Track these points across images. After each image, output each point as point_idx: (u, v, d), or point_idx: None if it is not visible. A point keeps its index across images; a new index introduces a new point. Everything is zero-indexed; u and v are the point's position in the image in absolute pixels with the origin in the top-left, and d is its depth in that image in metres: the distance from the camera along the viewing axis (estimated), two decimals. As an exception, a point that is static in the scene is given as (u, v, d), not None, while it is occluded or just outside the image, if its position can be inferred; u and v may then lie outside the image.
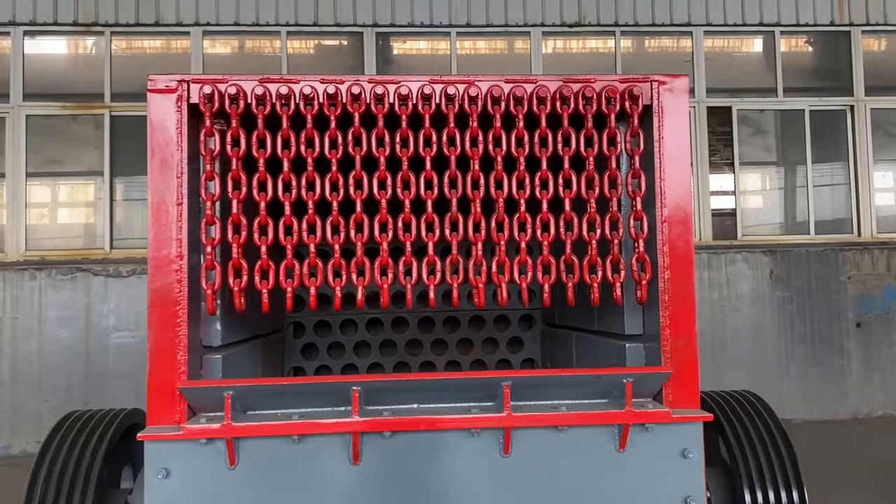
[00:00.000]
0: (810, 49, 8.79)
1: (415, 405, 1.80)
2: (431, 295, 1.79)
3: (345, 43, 8.08)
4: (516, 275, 1.79)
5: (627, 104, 1.82)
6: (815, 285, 8.29)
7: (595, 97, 1.80)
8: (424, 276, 1.79)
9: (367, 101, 1.76)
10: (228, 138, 1.75)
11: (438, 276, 1.79)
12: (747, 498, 2.18)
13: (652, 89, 1.84)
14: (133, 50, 8.38)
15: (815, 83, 8.67)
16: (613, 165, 1.82)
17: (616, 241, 1.81)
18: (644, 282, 1.81)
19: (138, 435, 1.70)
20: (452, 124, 1.77)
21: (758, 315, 8.25)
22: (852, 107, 8.63)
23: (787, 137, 8.76)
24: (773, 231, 8.69)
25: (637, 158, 1.83)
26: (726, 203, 8.60)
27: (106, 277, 7.81)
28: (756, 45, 8.78)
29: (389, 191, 1.76)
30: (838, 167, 8.70)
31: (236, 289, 1.72)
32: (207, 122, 1.73)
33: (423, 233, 1.78)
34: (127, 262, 7.72)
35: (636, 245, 1.82)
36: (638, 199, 1.82)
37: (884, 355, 8.32)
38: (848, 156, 8.57)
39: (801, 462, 2.23)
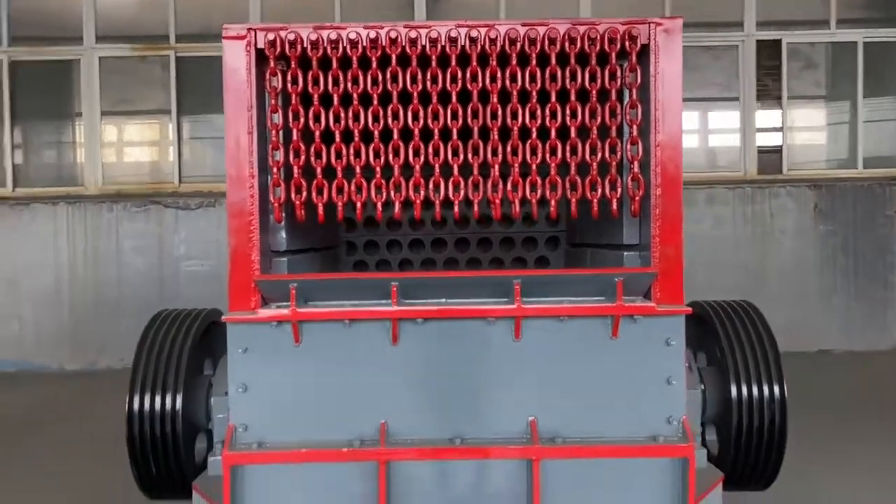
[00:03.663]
0: (866, -22, 8.58)
1: (443, 300, 2.18)
2: (456, 208, 2.15)
3: (395, -16, 8.31)
4: (528, 192, 2.13)
5: (627, 44, 2.11)
6: (860, 219, 8.34)
7: (599, 38, 2.10)
8: (451, 193, 2.14)
9: (403, 44, 2.10)
10: (288, 77, 2.11)
11: (462, 192, 2.14)
12: (733, 391, 2.52)
13: (650, 30, 2.12)
14: (196, -8, 8.74)
15: (870, 14, 8.52)
16: (613, 97, 2.12)
17: (614, 163, 2.13)
18: (637, 197, 2.13)
19: (223, 317, 2.14)
20: (475, 63, 2.10)
21: (800, 249, 8.37)
22: (908, 38, 8.47)
23: (838, 71, 8.67)
24: (820, 166, 8.70)
25: (635, 91, 2.13)
26: (773, 137, 8.62)
27: (176, 210, 8.40)
28: (810, -26, 8.60)
29: (422, 121, 2.11)
30: (890, 101, 8.59)
31: (297, 202, 2.12)
32: (271, 64, 2.11)
33: (450, 156, 2.12)
34: (195, 196, 8.28)
35: (632, 166, 2.14)
36: (634, 126, 2.13)
37: (927, 289, 8.37)
38: (901, 89, 8.46)
39: (783, 361, 2.56)
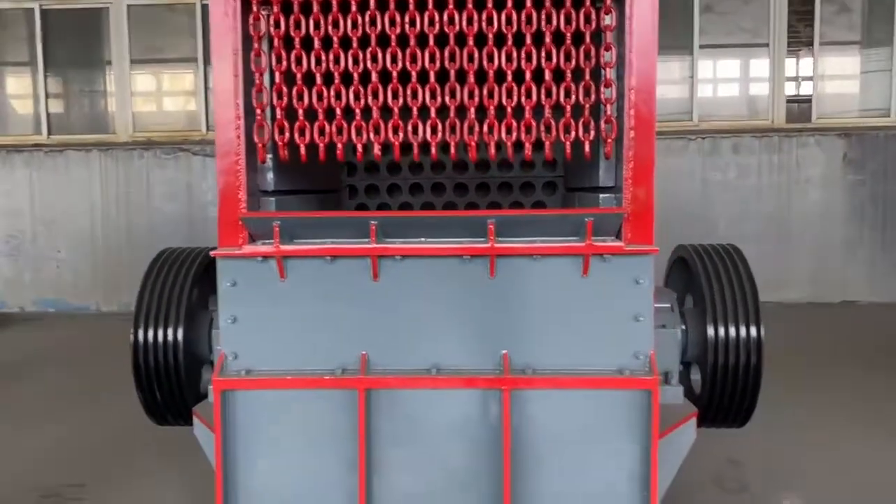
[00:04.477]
0: (907, -85, 8.21)
1: (422, 239, 2.27)
2: (433, 150, 2.22)
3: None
4: (503, 133, 2.19)
5: (603, -14, 2.12)
6: (890, 169, 8.16)
7: (574, -20, 2.12)
8: (428, 134, 2.21)
9: None
10: (272, 21, 2.18)
11: (440, 134, 2.21)
12: (710, 331, 2.59)
13: (625, -28, 2.13)
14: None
15: (911, -46, 8.18)
16: (588, 40, 2.15)
17: (587, 106, 2.17)
18: (610, 139, 2.18)
19: (211, 253, 2.27)
20: (452, 6, 2.14)
21: (827, 198, 8.25)
22: (948, -20, 8.13)
23: (874, 15, 8.38)
24: (851, 114, 8.48)
25: (609, 34, 2.15)
26: (804, 85, 8.42)
27: (204, 157, 8.58)
28: (848, -88, 8.27)
29: (400, 63, 2.17)
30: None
31: (280, 143, 2.21)
32: (255, 8, 2.17)
33: (427, 99, 2.18)
34: (221, 143, 8.42)
35: (605, 108, 2.18)
36: (608, 69, 2.16)
37: (955, 241, 8.19)
38: (940, 34, 8.15)
39: (761, 303, 2.60)
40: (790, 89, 8.31)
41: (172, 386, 2.69)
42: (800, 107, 8.32)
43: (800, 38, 8.19)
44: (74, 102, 9.20)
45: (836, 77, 8.52)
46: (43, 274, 8.58)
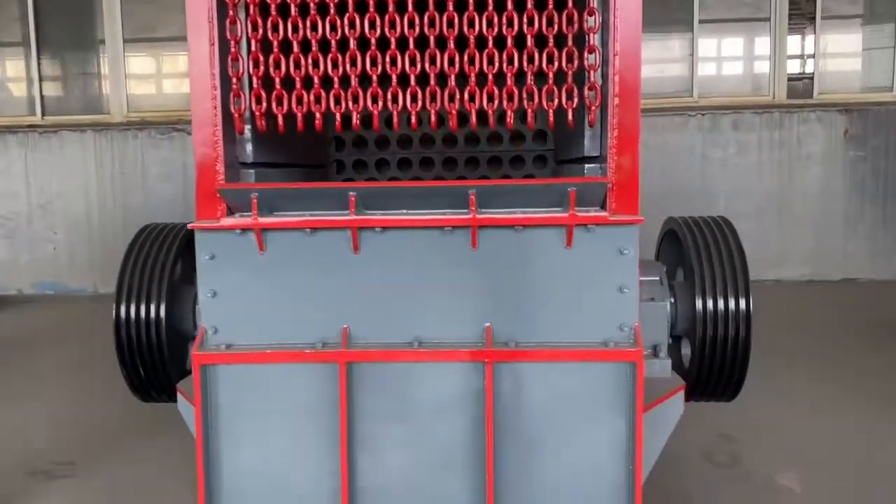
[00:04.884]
0: None
1: (403, 211, 2.23)
2: (413, 119, 2.17)
3: None
4: (485, 101, 2.13)
5: (585, -52, 2.06)
6: (892, 145, 8.07)
7: (555, -59, 2.06)
8: (408, 103, 2.15)
9: None
10: (247, -13, 2.12)
11: (420, 103, 2.15)
12: (699, 303, 2.55)
13: (608, -69, 2.07)
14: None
15: (914, -75, 8.04)
16: (571, 4, 2.09)
17: (570, 73, 2.11)
18: (594, 107, 2.13)
19: (189, 225, 2.23)
20: None
21: (828, 175, 8.17)
22: (951, -49, 7.99)
23: (877, -12, 8.25)
24: (852, 90, 8.38)
25: (593, -1, 2.09)
26: (806, 60, 8.31)
27: (199, 137, 8.47)
28: None
29: (378, 30, 2.11)
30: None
31: (258, 113, 2.16)
32: (229, -25, 2.12)
33: (407, 66, 2.13)
34: (216, 123, 8.35)
35: (589, 75, 2.12)
36: (592, 34, 2.11)
37: (957, 217, 8.12)
38: (944, 8, 8.03)
39: (750, 276, 2.56)
40: (792, 67, 8.20)
41: (156, 362, 2.68)
42: (802, 83, 8.22)
43: (801, 12, 8.08)
44: (68, 83, 9.13)
45: (839, 54, 8.40)
46: (39, 256, 8.56)
